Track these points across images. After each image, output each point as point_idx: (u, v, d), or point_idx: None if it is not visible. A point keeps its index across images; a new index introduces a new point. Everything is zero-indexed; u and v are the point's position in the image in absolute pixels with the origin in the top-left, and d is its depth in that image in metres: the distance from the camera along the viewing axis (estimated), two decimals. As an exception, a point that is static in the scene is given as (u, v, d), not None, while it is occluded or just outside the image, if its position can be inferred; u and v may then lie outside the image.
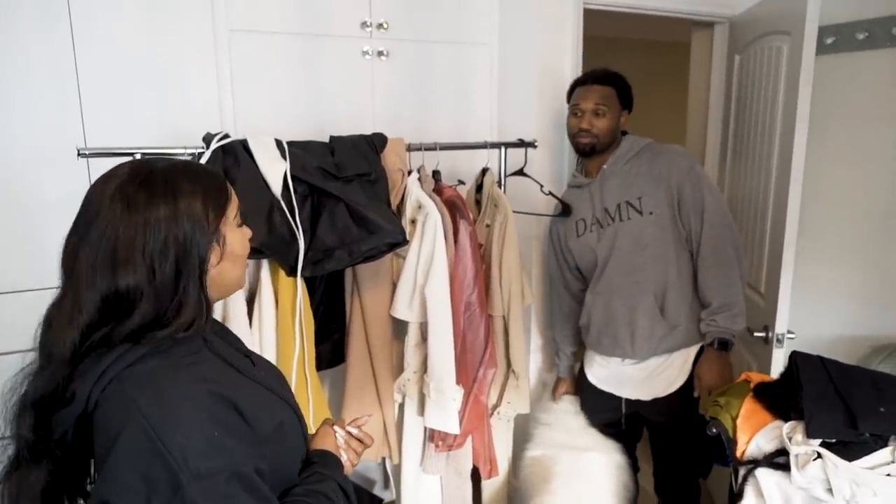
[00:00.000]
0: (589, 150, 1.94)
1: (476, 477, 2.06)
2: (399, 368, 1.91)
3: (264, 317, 1.64)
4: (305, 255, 1.58)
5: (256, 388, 0.94)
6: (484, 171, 2.04)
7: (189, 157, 1.52)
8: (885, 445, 1.28)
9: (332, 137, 1.74)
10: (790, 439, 1.35)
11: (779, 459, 1.36)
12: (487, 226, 1.99)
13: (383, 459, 2.08)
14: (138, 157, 1.41)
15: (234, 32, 1.86)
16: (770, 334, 2.06)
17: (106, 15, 1.75)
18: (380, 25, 2.03)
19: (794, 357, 1.50)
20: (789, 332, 2.05)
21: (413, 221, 1.80)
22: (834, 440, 1.30)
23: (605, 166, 1.95)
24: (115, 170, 0.88)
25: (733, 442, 1.45)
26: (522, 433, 2.16)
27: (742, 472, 1.42)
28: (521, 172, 2.10)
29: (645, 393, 1.94)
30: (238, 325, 1.58)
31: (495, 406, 2.07)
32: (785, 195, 1.99)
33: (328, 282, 1.86)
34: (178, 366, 0.84)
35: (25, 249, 1.76)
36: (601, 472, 1.89)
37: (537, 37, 2.34)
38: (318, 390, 1.75)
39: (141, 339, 0.82)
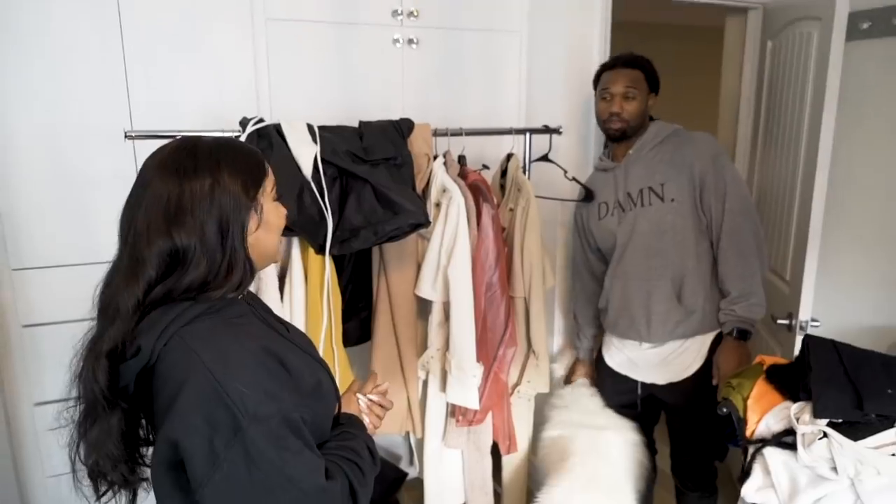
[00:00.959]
0: (620, 136, 1.96)
1: (496, 453, 2.13)
2: (423, 346, 1.98)
3: (295, 292, 1.73)
4: (333, 234, 1.66)
5: (296, 350, 1.02)
6: (509, 156, 2.09)
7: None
8: (892, 426, 1.29)
9: (361, 122, 1.81)
10: (798, 419, 1.37)
11: (786, 439, 1.39)
12: (511, 210, 2.04)
13: (407, 434, 2.16)
14: (181, 138, 1.50)
15: (271, 21, 1.93)
16: (794, 322, 2.06)
17: (151, 1, 1.82)
18: (410, 14, 2.08)
19: (807, 340, 1.51)
20: (814, 319, 2.05)
21: (438, 204, 1.86)
22: (840, 420, 1.32)
23: (630, 151, 1.98)
24: (164, 146, 0.97)
25: (743, 422, 1.48)
26: (541, 414, 2.21)
27: (751, 450, 1.45)
28: (545, 158, 2.14)
29: (660, 377, 1.97)
30: (269, 298, 1.67)
31: (516, 385, 2.12)
32: (812, 182, 1.98)
33: (356, 262, 1.95)
34: (231, 324, 0.93)
35: (74, 226, 1.84)
36: (617, 450, 1.93)
37: (566, 24, 2.37)
38: (344, 364, 1.84)
39: (197, 298, 0.91)
